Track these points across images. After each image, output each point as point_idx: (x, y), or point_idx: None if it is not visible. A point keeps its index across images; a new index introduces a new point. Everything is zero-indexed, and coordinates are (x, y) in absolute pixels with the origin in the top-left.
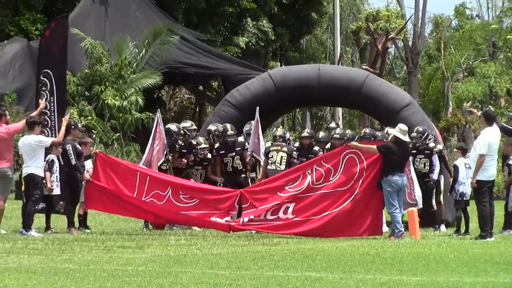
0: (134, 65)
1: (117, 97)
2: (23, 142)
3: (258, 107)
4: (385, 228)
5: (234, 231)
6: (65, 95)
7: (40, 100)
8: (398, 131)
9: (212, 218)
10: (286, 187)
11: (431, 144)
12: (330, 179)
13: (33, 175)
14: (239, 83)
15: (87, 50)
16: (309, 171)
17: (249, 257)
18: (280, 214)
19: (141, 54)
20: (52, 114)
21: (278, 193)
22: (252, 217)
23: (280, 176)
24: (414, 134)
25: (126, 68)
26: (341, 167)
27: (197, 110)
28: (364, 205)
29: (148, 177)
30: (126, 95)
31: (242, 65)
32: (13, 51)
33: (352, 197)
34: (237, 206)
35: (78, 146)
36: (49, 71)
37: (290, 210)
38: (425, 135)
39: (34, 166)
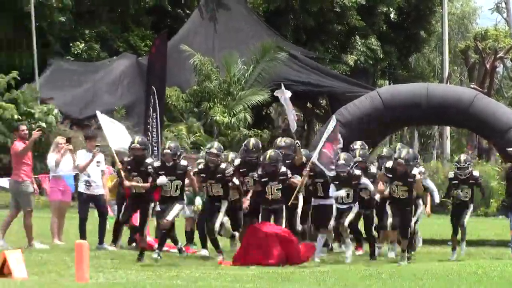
0: (243, 81)
1: (226, 114)
2: None
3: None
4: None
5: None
6: (163, 112)
7: (33, 132)
8: None
9: None
10: None
11: (475, 173)
12: None
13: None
14: (346, 101)
15: (196, 67)
16: None
17: (357, 275)
18: None
19: (249, 71)
20: (154, 130)
21: None
22: None
23: None
24: (463, 164)
25: (235, 85)
26: None
27: (305, 127)
28: None
29: None
30: (234, 112)
31: (351, 83)
32: (121, 67)
33: None
34: None
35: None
36: (153, 87)
37: None
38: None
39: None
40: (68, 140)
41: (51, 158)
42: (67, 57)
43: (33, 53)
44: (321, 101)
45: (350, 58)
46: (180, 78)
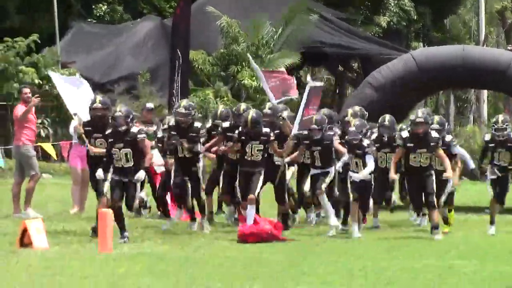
0: (272, 44)
1: (254, 78)
2: None
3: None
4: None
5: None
6: (188, 77)
7: (33, 98)
8: None
9: None
10: None
11: None
12: None
13: None
14: (379, 64)
15: (222, 29)
16: None
17: (383, 245)
18: None
19: (278, 33)
20: (176, 96)
21: None
22: None
23: None
24: (500, 124)
25: (263, 48)
26: None
27: (337, 91)
28: None
29: None
30: None
31: (383, 45)
32: (145, 29)
33: None
34: None
35: None
36: (178, 50)
37: None
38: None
39: None
40: None
41: (72, 124)
42: (89, 20)
43: (54, 15)
44: (353, 64)
45: (383, 20)
46: (206, 41)
